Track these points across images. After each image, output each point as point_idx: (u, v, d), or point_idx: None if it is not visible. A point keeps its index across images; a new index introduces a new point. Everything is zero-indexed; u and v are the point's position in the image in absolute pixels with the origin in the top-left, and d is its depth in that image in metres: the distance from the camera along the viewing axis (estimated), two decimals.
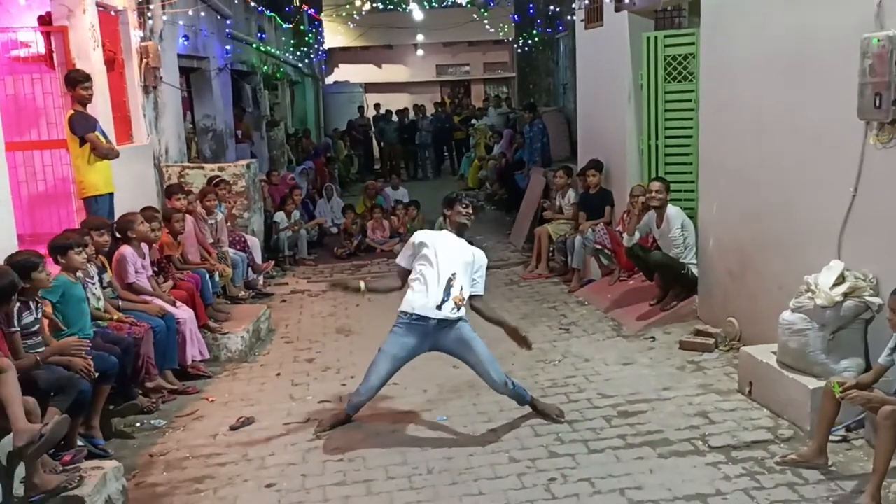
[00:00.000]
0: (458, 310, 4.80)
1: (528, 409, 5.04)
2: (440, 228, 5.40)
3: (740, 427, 4.66)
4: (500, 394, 4.94)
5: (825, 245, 4.84)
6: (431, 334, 4.79)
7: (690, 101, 7.28)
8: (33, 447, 3.66)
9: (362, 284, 5.02)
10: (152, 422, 5.21)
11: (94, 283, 5.39)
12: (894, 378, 4.02)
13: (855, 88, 4.44)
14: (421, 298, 4.75)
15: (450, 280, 4.76)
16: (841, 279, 4.56)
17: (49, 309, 4.76)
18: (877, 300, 4.45)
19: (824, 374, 4.42)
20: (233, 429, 5.09)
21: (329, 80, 26.04)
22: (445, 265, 4.79)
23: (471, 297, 4.91)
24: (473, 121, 19.15)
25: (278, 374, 6.12)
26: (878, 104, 4.26)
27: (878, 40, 4.21)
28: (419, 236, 4.99)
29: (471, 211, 4.99)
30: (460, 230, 4.98)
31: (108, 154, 6.35)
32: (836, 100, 4.68)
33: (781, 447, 4.37)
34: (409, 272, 4.96)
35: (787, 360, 4.73)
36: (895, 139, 4.30)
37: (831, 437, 4.17)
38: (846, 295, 4.49)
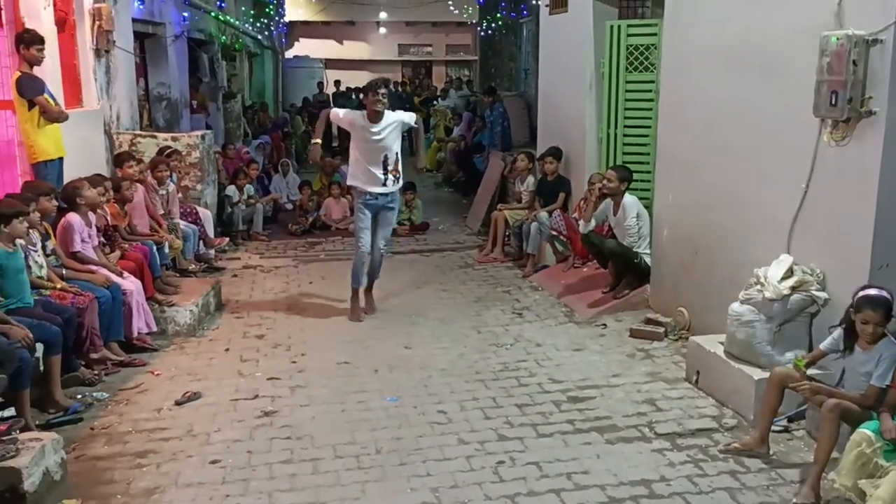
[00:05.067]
0: (398, 181, 6.38)
1: (478, 394, 5.09)
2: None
3: (686, 415, 4.74)
4: (377, 255, 6.60)
5: (775, 239, 4.93)
6: (379, 205, 6.40)
7: (651, 91, 7.33)
8: None
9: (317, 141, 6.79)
10: (95, 394, 5.07)
11: (36, 251, 5.22)
12: (837, 371, 4.11)
13: (811, 86, 4.49)
14: (367, 181, 6.28)
15: (385, 160, 6.20)
16: (789, 273, 4.65)
17: None
18: (823, 294, 4.54)
19: (769, 366, 4.50)
20: (178, 403, 4.99)
21: (289, 53, 25.63)
22: (378, 151, 6.20)
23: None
24: (434, 102, 19.06)
25: (227, 350, 6.02)
26: (833, 102, 4.32)
27: (837, 39, 4.27)
28: (351, 118, 6.35)
29: (384, 98, 6.16)
30: (378, 116, 6.16)
31: (58, 117, 6.15)
32: (792, 97, 4.74)
33: (725, 435, 4.46)
34: (329, 123, 6.84)
35: (734, 351, 4.81)
36: (849, 137, 4.37)
37: (773, 427, 4.27)
38: (794, 289, 4.58)
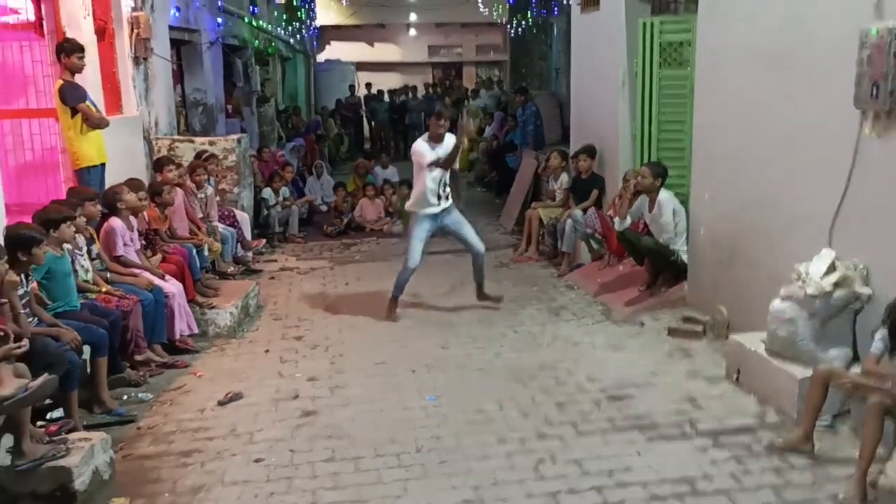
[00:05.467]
0: (448, 199, 6.76)
1: (516, 393, 5.09)
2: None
3: (728, 413, 4.70)
4: (478, 258, 6.89)
5: (816, 234, 4.86)
6: (438, 219, 6.74)
7: (685, 87, 7.26)
8: (16, 398, 3.60)
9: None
10: (140, 395, 5.18)
11: (82, 255, 5.34)
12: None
13: (851, 78, 4.43)
14: (427, 203, 6.64)
15: (442, 183, 6.63)
16: (832, 268, 4.58)
17: (34, 284, 4.71)
18: (867, 290, 4.47)
19: (812, 363, 4.44)
20: (221, 404, 5.07)
21: (320, 57, 25.82)
22: (437, 174, 6.57)
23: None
24: (466, 102, 19.07)
25: (267, 351, 6.10)
26: (874, 94, 4.26)
27: (877, 31, 4.21)
28: (421, 148, 6.63)
29: (445, 123, 6.74)
30: (439, 139, 6.65)
31: (99, 124, 6.28)
32: (832, 89, 4.68)
33: (768, 433, 4.41)
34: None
35: (776, 348, 4.76)
36: (891, 129, 4.30)
37: (818, 424, 4.21)
38: (836, 284, 4.51)
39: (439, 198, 6.68)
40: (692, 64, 6.98)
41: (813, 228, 4.90)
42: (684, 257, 6.70)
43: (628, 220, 6.92)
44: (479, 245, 6.95)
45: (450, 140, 6.76)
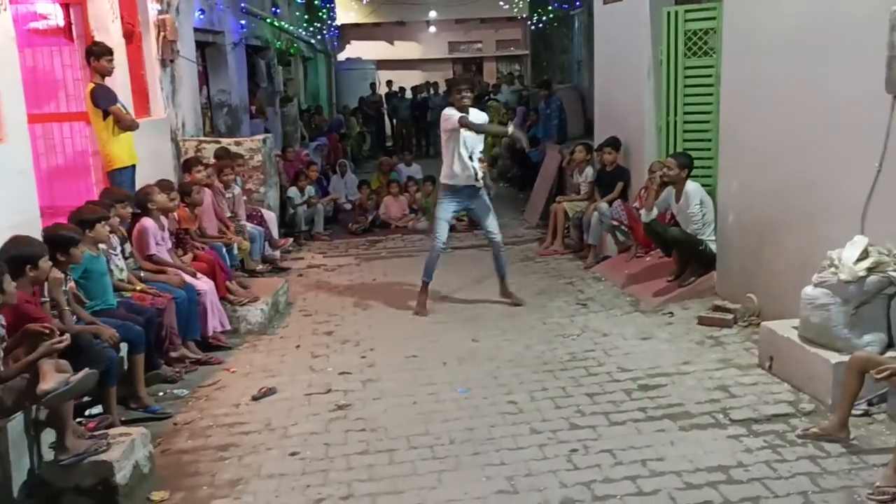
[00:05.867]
0: (483, 174, 6.75)
1: (547, 384, 5.11)
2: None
3: (761, 401, 4.67)
4: (495, 245, 6.89)
5: (848, 221, 4.82)
6: (468, 197, 6.81)
7: (711, 76, 7.22)
8: (57, 392, 3.66)
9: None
10: (175, 391, 5.26)
11: (116, 255, 5.43)
12: None
13: (882, 63, 4.39)
14: (461, 173, 6.64)
15: (473, 154, 6.64)
16: (864, 254, 4.54)
17: (71, 284, 4.79)
18: None
19: (847, 349, 4.41)
20: (255, 399, 5.13)
21: (341, 56, 25.92)
22: (470, 145, 6.64)
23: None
24: (487, 98, 19.03)
25: (298, 346, 6.16)
26: None
27: None
28: (451, 114, 6.58)
29: (469, 94, 6.63)
30: (464, 109, 6.59)
31: (131, 126, 6.37)
32: (863, 74, 4.64)
33: (803, 421, 4.38)
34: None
35: (809, 335, 4.73)
36: None
37: (853, 411, 4.17)
38: (870, 270, 4.47)
39: (471, 171, 6.63)
40: (718, 52, 6.94)
41: (845, 215, 4.86)
42: (712, 247, 6.67)
43: (655, 212, 6.91)
44: (498, 235, 6.97)
45: (478, 114, 6.79)
